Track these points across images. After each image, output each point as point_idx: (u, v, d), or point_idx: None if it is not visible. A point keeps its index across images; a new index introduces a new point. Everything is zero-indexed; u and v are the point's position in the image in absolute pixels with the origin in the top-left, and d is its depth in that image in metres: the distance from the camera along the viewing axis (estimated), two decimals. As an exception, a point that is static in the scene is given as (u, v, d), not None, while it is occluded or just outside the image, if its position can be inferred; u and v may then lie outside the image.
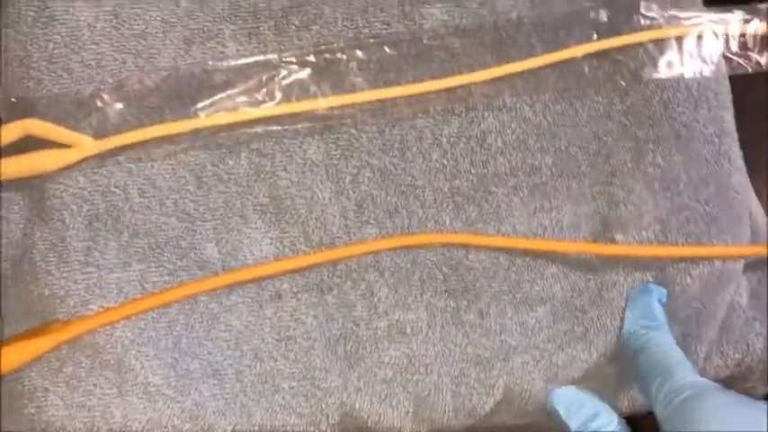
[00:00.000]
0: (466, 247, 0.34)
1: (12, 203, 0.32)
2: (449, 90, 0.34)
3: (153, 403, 0.31)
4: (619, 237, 0.34)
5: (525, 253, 0.34)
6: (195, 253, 0.32)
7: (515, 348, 0.34)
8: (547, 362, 0.34)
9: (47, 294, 0.31)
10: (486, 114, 0.35)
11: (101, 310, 0.31)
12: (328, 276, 0.33)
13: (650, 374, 0.31)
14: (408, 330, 0.33)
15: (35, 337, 0.30)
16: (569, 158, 0.35)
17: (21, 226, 0.32)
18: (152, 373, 0.31)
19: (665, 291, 0.34)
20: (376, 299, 0.33)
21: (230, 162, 0.33)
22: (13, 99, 0.32)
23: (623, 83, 0.35)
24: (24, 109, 0.32)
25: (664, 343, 0.32)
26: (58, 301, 0.31)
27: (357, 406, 0.33)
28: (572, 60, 0.35)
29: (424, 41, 0.34)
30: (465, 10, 0.35)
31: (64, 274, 0.31)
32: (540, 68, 0.35)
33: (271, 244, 0.33)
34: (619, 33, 0.36)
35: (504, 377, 0.34)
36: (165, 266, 0.32)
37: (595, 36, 0.35)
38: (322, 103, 0.33)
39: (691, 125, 0.35)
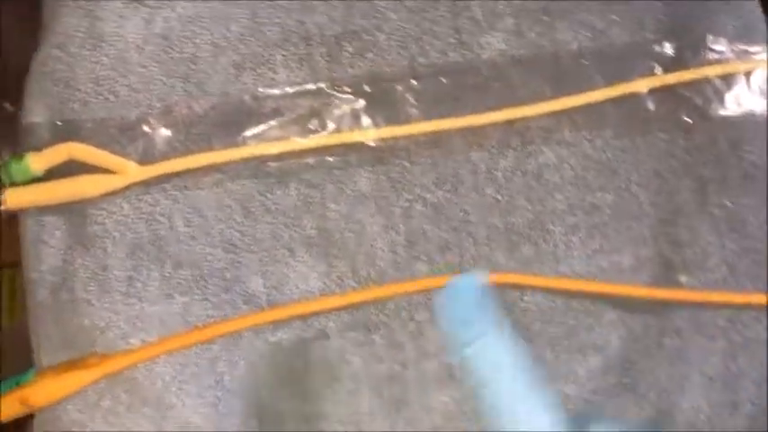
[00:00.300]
0: (521, 288, 0.32)
1: (53, 228, 0.31)
2: (506, 123, 0.33)
3: (193, 444, 0.30)
4: (683, 279, 0.33)
5: (583, 296, 0.32)
6: (240, 286, 0.31)
7: (569, 397, 0.32)
8: (597, 413, 0.32)
9: (86, 325, 0.30)
10: (543, 149, 0.33)
11: (141, 343, 0.30)
12: (375, 314, 0.31)
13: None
14: (458, 374, 0.32)
15: (73, 371, 0.29)
16: (630, 197, 0.33)
17: (61, 252, 0.31)
18: (193, 412, 0.30)
19: (474, 277, 0.30)
20: (425, 339, 0.32)
21: (278, 192, 0.32)
22: (58, 122, 0.31)
23: (688, 119, 0.34)
24: (69, 132, 0.31)
25: (496, 359, 0.27)
26: (98, 332, 0.30)
27: None
28: (634, 95, 0.34)
29: (482, 72, 0.33)
30: (524, 40, 0.34)
31: (105, 305, 0.30)
32: (601, 103, 0.34)
33: (318, 278, 0.31)
34: (684, 67, 0.34)
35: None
36: (209, 300, 0.30)
37: (659, 70, 0.34)
38: (375, 134, 0.32)
39: (759, 165, 0.34)
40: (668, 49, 0.34)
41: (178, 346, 0.29)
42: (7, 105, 0.34)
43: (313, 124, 0.32)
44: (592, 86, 0.34)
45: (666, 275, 0.33)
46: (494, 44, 0.33)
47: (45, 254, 0.31)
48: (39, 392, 0.28)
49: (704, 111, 0.34)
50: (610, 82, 0.34)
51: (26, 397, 0.28)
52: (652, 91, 0.34)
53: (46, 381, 0.29)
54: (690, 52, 0.34)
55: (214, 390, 0.30)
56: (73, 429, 0.29)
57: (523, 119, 0.33)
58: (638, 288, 0.32)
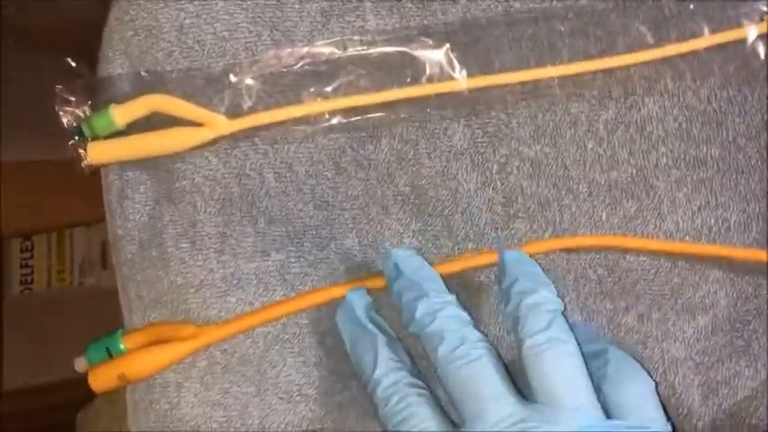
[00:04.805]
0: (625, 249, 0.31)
1: (137, 183, 0.30)
2: (606, 72, 0.31)
3: (294, 405, 0.29)
4: (794, 236, 0.31)
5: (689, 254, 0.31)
6: (335, 243, 0.30)
7: (676, 359, 0.31)
8: (704, 377, 0.31)
9: (180, 283, 0.29)
10: (646, 100, 0.31)
11: (238, 302, 0.29)
12: (477, 276, 0.30)
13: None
14: None
15: (169, 344, 0.28)
16: (738, 150, 0.31)
17: (148, 208, 0.30)
18: (295, 371, 0.29)
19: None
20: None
21: (370, 147, 0.30)
22: (143, 72, 0.30)
23: (800, 67, 0.32)
24: (152, 83, 0.30)
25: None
26: (192, 290, 0.29)
27: None
28: (742, 42, 0.32)
29: (581, 18, 0.31)
30: (625, -16, 0.32)
31: (198, 263, 0.29)
32: (706, 50, 0.32)
33: (413, 236, 0.30)
34: (797, 11, 0.32)
35: (663, 389, 0.31)
36: (305, 257, 0.29)
37: (769, 14, 0.32)
38: (469, 84, 0.30)
39: None
40: (779, -9, 0.32)
41: (275, 317, 0.28)
42: (69, 60, 0.32)
43: (404, 74, 0.30)
44: (696, 33, 0.32)
45: (777, 233, 0.31)
46: (593, -12, 0.31)
47: (130, 210, 0.30)
48: (135, 367, 0.28)
49: (818, 58, 0.32)
50: (716, 28, 0.32)
51: (122, 372, 0.28)
52: (761, 37, 0.32)
53: (141, 355, 0.28)
54: (803, -5, 0.32)
55: (316, 349, 0.29)
56: (169, 389, 0.28)
57: (624, 68, 0.31)
58: (747, 251, 0.31)
